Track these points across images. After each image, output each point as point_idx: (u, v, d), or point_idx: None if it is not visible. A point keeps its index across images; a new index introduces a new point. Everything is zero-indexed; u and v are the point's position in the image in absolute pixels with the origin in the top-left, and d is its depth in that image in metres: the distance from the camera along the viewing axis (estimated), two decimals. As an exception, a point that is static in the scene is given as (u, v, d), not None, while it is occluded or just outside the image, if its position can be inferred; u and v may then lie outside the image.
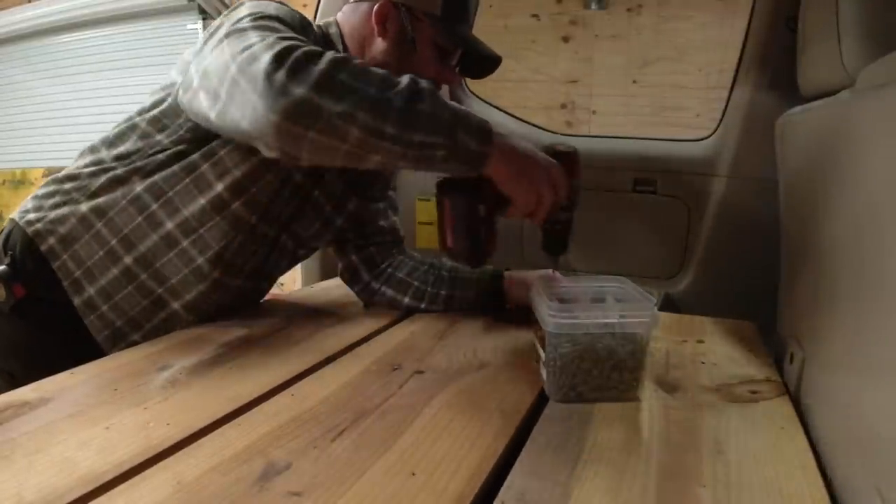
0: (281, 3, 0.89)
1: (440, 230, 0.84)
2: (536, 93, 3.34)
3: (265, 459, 0.57)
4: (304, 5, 3.89)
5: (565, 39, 3.33)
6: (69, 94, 4.32)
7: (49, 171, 4.21)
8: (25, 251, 0.91)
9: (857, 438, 0.56)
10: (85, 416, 0.64)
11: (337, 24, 0.99)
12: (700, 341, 0.97)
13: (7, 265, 0.90)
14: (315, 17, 1.42)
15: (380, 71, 0.72)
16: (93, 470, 0.54)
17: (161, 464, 0.56)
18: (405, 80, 0.72)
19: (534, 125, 1.61)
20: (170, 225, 0.91)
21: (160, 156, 0.90)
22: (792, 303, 0.91)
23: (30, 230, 0.91)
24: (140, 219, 0.90)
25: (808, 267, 0.82)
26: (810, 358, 0.75)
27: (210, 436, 0.62)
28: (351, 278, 1.15)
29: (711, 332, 1.03)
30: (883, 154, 0.58)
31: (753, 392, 0.77)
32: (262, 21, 0.79)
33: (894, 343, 0.50)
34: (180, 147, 0.89)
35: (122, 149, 0.92)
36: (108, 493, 0.51)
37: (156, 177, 0.90)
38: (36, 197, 0.95)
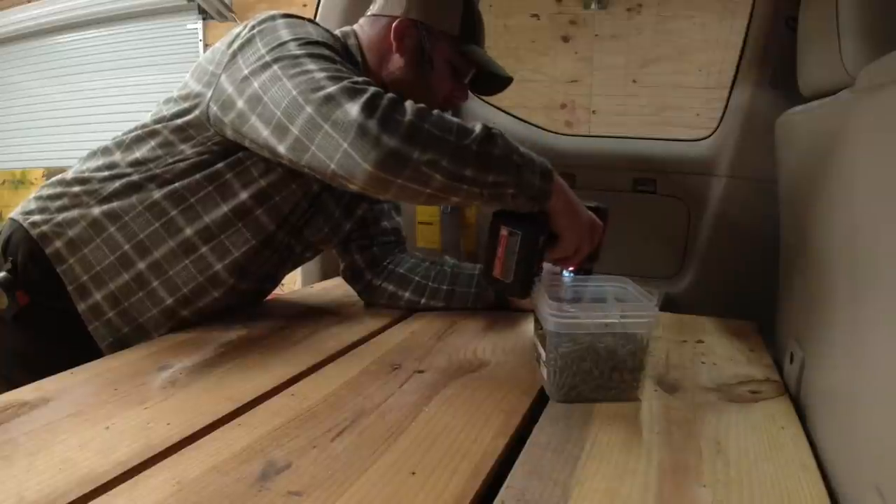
0: (307, 19, 0.89)
1: (487, 258, 0.84)
2: (536, 93, 3.34)
3: (265, 459, 0.57)
4: (304, 5, 3.89)
5: (565, 39, 3.33)
6: (69, 94, 4.32)
7: (49, 171, 4.21)
8: (28, 255, 0.89)
9: (857, 438, 0.56)
10: (85, 416, 0.64)
11: (355, 35, 0.99)
12: (700, 341, 0.97)
13: (8, 271, 0.88)
14: (314, 18, 1.42)
15: (454, 119, 0.76)
16: (93, 470, 0.54)
17: (161, 464, 0.56)
18: (478, 127, 0.75)
19: (534, 125, 1.61)
20: (189, 231, 0.90)
21: (181, 164, 0.89)
22: (791, 302, 0.91)
23: (34, 232, 0.89)
24: (157, 225, 0.89)
25: (807, 266, 0.82)
26: (810, 358, 0.75)
27: (210, 436, 0.62)
28: (353, 277, 1.15)
29: (711, 332, 1.03)
30: (882, 154, 0.58)
31: (753, 392, 0.77)
32: (312, 48, 0.79)
33: (893, 341, 0.50)
34: (204, 157, 0.89)
35: (137, 154, 0.90)
36: (108, 493, 0.51)
37: (176, 184, 0.89)
38: (40, 198, 0.93)
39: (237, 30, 0.87)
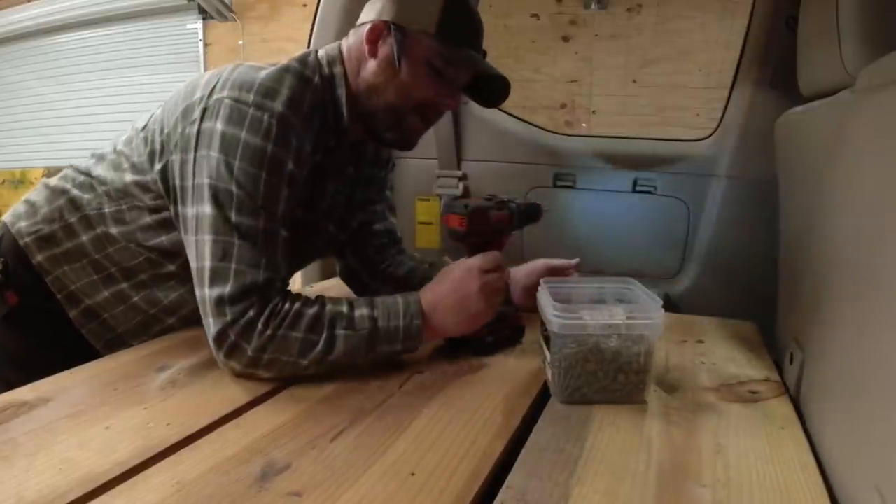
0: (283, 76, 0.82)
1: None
2: (536, 93, 3.34)
3: (264, 459, 0.57)
4: (304, 5, 3.87)
5: (565, 39, 3.33)
6: (69, 94, 4.32)
7: (49, 171, 4.21)
8: (16, 258, 0.89)
9: (857, 438, 0.56)
10: (85, 416, 0.64)
11: (341, 58, 0.92)
12: (700, 341, 0.97)
13: None
14: (310, 40, 1.41)
15: (300, 334, 0.76)
16: (93, 470, 0.54)
17: (161, 464, 0.56)
18: (324, 335, 0.77)
19: (534, 125, 1.61)
20: (172, 267, 0.90)
21: (147, 220, 0.88)
22: (791, 303, 0.91)
23: (21, 242, 0.89)
24: (141, 259, 0.90)
25: (807, 267, 0.82)
26: (810, 358, 0.75)
27: (210, 436, 0.62)
28: (349, 278, 1.15)
29: (711, 332, 1.03)
30: (882, 154, 0.58)
31: (753, 392, 0.77)
32: (246, 216, 0.77)
33: (893, 342, 0.50)
34: (164, 214, 0.87)
35: (108, 187, 0.89)
36: (108, 493, 0.51)
37: (151, 254, 0.89)
38: (28, 202, 0.93)
39: (202, 91, 0.82)
